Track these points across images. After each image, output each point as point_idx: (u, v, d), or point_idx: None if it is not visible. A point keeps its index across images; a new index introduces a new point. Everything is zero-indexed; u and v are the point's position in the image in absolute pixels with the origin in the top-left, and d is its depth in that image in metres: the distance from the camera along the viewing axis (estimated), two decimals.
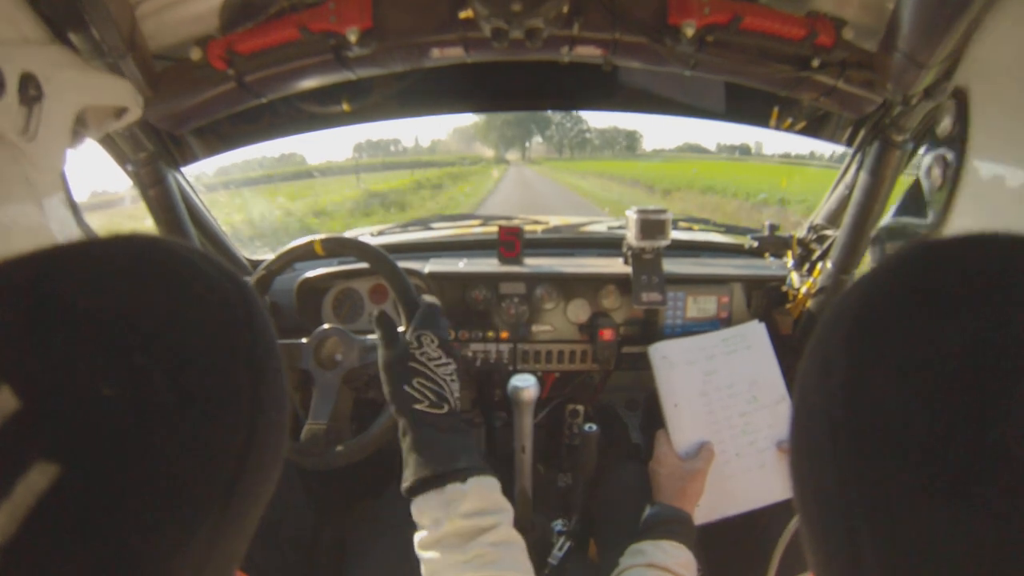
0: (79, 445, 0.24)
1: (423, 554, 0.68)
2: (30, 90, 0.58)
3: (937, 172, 0.62)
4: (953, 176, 0.60)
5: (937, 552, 0.24)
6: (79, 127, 0.77)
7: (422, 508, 0.70)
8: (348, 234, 1.39)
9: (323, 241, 1.05)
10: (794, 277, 1.25)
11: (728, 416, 1.08)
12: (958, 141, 0.59)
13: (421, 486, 0.70)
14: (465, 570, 0.64)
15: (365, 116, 1.21)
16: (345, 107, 1.03)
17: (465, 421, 0.79)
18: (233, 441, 0.29)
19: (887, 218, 0.79)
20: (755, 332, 1.15)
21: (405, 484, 0.71)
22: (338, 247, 1.05)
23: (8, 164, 0.56)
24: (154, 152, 1.04)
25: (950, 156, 0.60)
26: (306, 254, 1.08)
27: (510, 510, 0.72)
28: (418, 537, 0.69)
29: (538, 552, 1.07)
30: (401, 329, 0.87)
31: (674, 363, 1.13)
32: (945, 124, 0.62)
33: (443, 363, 0.80)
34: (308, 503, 1.36)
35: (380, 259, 1.00)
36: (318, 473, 1.22)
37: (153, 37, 0.79)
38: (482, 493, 0.70)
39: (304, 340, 1.04)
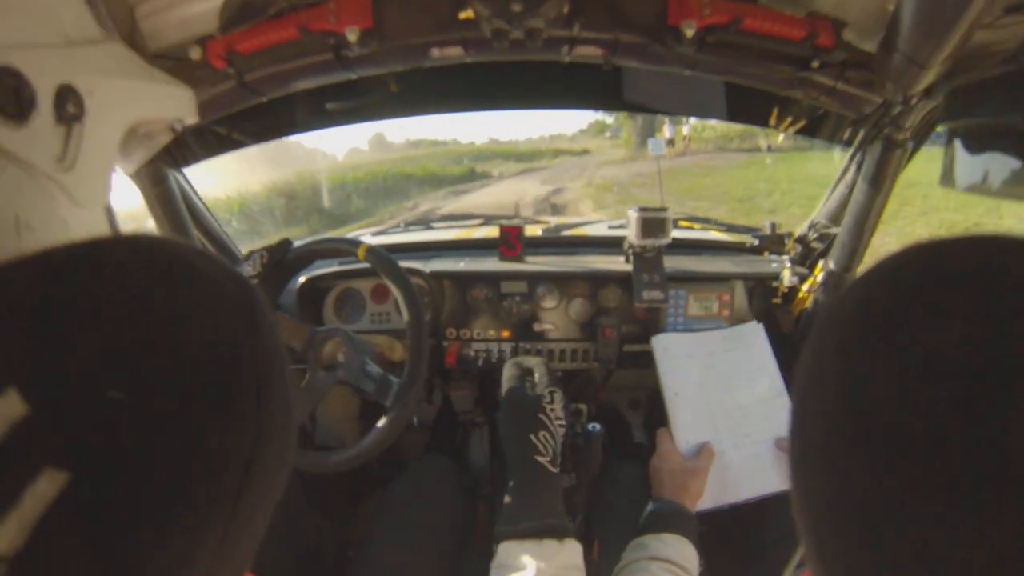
0: (86, 451, 0.24)
1: None
2: (67, 107, 0.48)
3: None
4: None
5: (935, 555, 0.24)
6: (127, 146, 0.66)
7: (514, 551, 0.74)
8: (350, 235, 1.40)
9: (369, 249, 1.03)
10: (786, 275, 1.25)
11: (725, 409, 1.10)
12: None
13: (523, 534, 0.75)
14: None
15: (366, 115, 1.21)
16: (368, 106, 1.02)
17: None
18: (240, 445, 0.28)
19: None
20: (753, 333, 1.18)
21: (508, 527, 0.76)
22: (376, 263, 1.03)
23: (40, 202, 0.45)
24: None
25: None
26: (348, 252, 1.06)
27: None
28: None
29: None
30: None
31: (674, 354, 1.15)
32: None
33: (563, 424, 0.86)
34: (311, 503, 1.37)
35: (409, 295, 1.00)
36: (321, 473, 1.22)
37: (153, 37, 0.79)
38: (574, 553, 0.76)
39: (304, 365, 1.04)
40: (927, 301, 0.26)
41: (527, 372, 0.92)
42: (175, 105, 0.69)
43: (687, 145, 16.34)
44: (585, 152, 21.71)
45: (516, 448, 0.81)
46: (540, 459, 0.80)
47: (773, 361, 1.13)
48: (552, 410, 0.84)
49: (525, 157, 20.90)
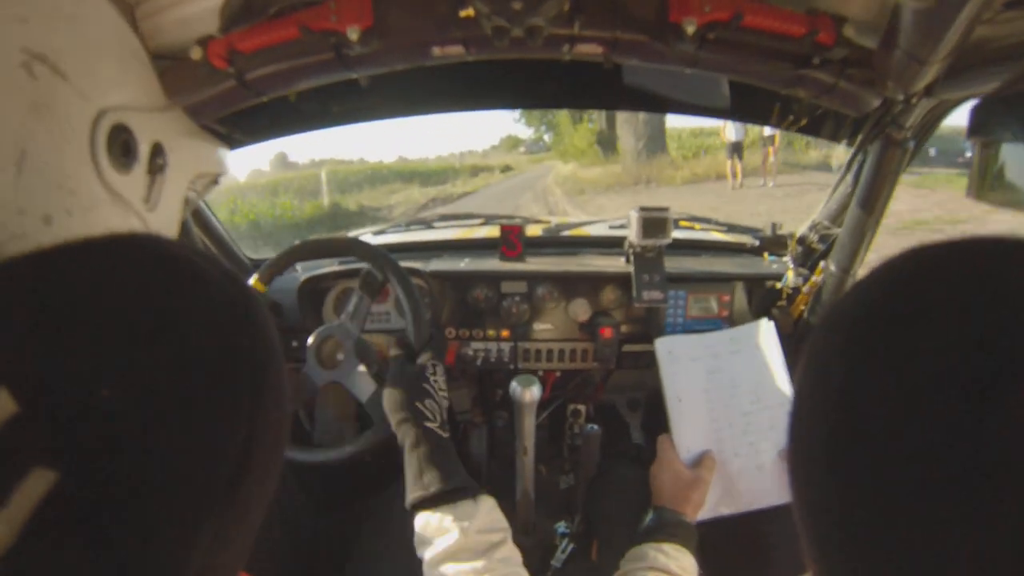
0: (78, 449, 0.24)
1: (432, 570, 0.71)
2: (157, 160, 0.58)
3: None
4: None
5: (936, 557, 0.24)
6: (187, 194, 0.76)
7: (430, 521, 0.74)
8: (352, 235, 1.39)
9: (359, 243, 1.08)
10: (790, 275, 1.25)
11: (729, 415, 1.07)
12: None
13: (433, 500, 0.75)
14: None
15: (366, 115, 1.21)
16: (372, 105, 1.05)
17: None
18: (234, 443, 0.28)
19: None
20: (764, 331, 1.14)
21: (418, 494, 0.76)
22: (373, 260, 1.05)
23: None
24: None
25: None
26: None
27: (509, 529, 0.77)
28: (428, 553, 0.72)
29: (541, 554, 1.07)
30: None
31: (678, 358, 1.12)
32: None
33: (445, 396, 0.88)
34: (307, 502, 1.36)
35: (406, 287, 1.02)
36: (317, 471, 1.22)
37: (153, 37, 0.79)
38: (491, 510, 0.75)
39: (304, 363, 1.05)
40: (926, 305, 0.26)
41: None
42: (219, 161, 0.79)
43: (771, 157, 9.22)
44: (508, 169, 18.11)
45: (404, 416, 0.82)
46: (430, 425, 0.81)
47: (782, 364, 1.10)
48: (435, 380, 0.87)
49: (435, 178, 15.63)
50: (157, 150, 0.58)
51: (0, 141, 0.40)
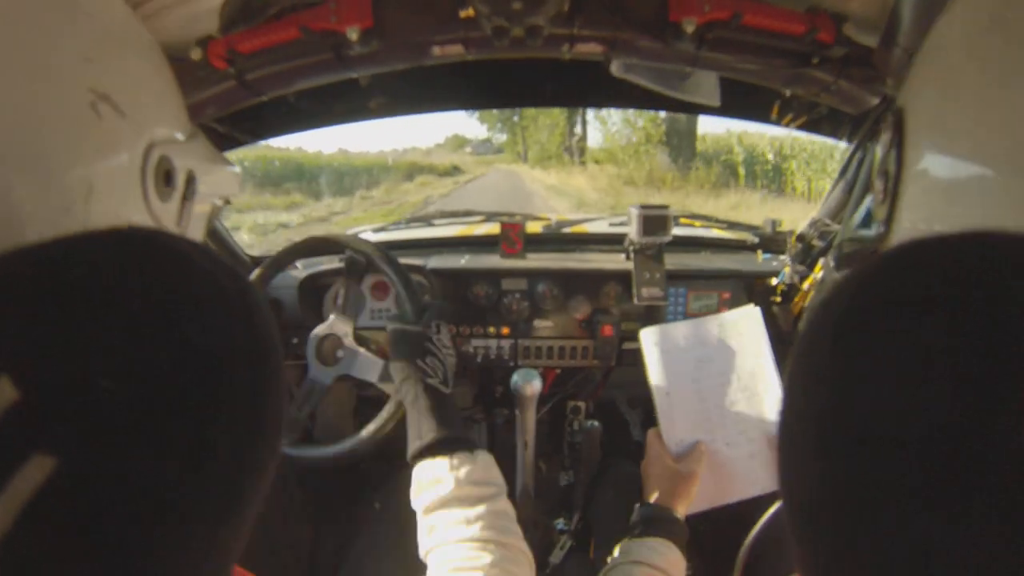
0: (77, 438, 0.24)
1: (426, 517, 0.72)
2: (191, 187, 0.62)
3: (879, 186, 0.65)
4: (893, 189, 0.63)
5: (931, 558, 0.23)
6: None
7: (424, 469, 0.75)
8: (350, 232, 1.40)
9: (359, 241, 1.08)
10: (787, 271, 1.24)
11: (719, 405, 1.05)
12: (896, 158, 0.61)
13: (430, 449, 0.76)
14: (469, 531, 0.68)
15: (366, 114, 1.21)
16: (371, 104, 1.05)
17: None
18: (232, 434, 0.29)
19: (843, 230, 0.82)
20: (750, 317, 1.10)
21: (415, 445, 0.77)
22: (365, 252, 1.06)
23: None
24: None
25: (891, 170, 0.62)
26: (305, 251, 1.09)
27: (505, 486, 0.77)
28: (421, 502, 0.74)
29: (539, 551, 1.08)
30: None
31: (666, 349, 1.08)
32: (884, 140, 0.64)
33: (450, 353, 0.89)
34: (306, 506, 1.37)
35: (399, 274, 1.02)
36: (315, 472, 1.23)
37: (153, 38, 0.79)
38: (487, 464, 0.77)
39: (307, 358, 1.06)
40: (923, 297, 0.26)
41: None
42: (234, 183, 0.83)
43: None
44: (456, 170, 15.19)
45: (406, 375, 0.84)
46: (431, 381, 0.82)
47: (769, 352, 1.07)
48: (439, 339, 0.89)
49: (350, 178, 12.06)
50: (190, 178, 0.61)
51: (72, 179, 0.42)
